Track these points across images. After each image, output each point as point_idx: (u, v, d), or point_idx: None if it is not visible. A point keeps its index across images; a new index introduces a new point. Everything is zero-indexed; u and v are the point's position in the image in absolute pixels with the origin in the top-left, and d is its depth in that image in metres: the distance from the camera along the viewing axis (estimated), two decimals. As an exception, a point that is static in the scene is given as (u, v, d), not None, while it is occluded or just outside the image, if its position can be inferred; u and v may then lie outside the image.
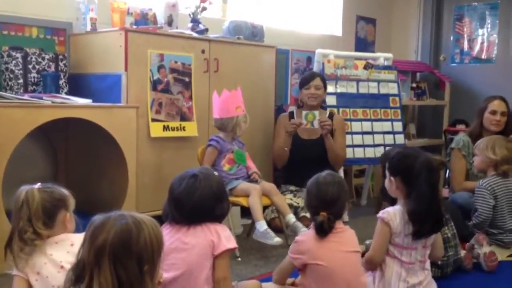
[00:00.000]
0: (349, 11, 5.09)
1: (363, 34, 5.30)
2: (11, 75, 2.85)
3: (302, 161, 3.38)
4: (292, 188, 3.45)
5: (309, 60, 4.59)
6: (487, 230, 2.79)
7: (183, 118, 3.16)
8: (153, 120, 3.02)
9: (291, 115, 3.58)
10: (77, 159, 3.18)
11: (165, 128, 3.08)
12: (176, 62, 3.12)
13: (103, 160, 2.98)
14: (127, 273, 1.17)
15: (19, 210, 1.56)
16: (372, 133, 3.98)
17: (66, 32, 3.17)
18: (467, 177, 3.33)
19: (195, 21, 3.41)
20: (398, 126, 4.10)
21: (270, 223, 3.05)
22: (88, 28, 3.08)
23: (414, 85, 5.15)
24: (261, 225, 2.72)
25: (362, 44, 5.26)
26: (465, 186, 3.24)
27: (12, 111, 2.42)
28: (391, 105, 4.10)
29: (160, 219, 1.58)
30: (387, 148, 3.94)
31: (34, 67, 2.91)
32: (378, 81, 4.09)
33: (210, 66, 3.30)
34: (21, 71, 2.87)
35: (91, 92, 2.97)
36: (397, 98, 4.14)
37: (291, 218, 2.82)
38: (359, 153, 3.90)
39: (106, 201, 2.91)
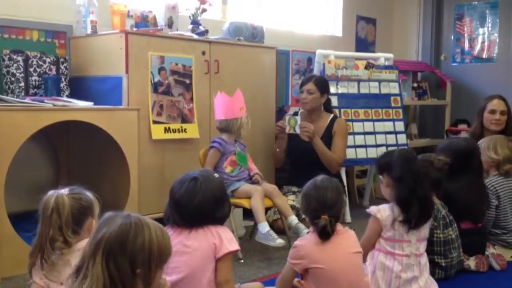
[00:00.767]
0: (349, 11, 5.09)
1: (364, 34, 5.30)
2: (12, 79, 2.85)
3: (303, 163, 3.38)
4: (294, 189, 3.44)
5: (310, 61, 4.59)
6: (490, 231, 2.77)
7: (184, 120, 3.16)
8: (154, 122, 3.02)
9: (295, 115, 3.57)
10: (79, 161, 3.18)
11: (167, 130, 3.08)
12: (176, 64, 3.12)
13: (104, 163, 2.97)
14: (118, 271, 1.17)
15: (49, 218, 1.54)
16: (374, 133, 3.97)
17: (67, 35, 3.17)
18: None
19: (195, 22, 3.40)
20: (400, 126, 4.09)
21: (272, 225, 3.04)
22: (89, 31, 3.08)
23: (415, 85, 5.15)
24: (264, 227, 2.72)
25: (363, 44, 5.25)
26: None
27: (14, 114, 2.41)
28: (393, 105, 4.10)
29: (162, 222, 1.57)
30: (389, 149, 3.95)
31: (35, 70, 2.91)
32: (379, 81, 4.08)
33: (211, 68, 3.30)
34: (22, 75, 2.87)
35: (92, 94, 2.97)
36: (398, 98, 4.14)
37: (293, 219, 2.81)
38: (361, 153, 3.89)
39: (108, 204, 2.87)
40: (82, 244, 1.56)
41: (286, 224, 2.92)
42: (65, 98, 2.86)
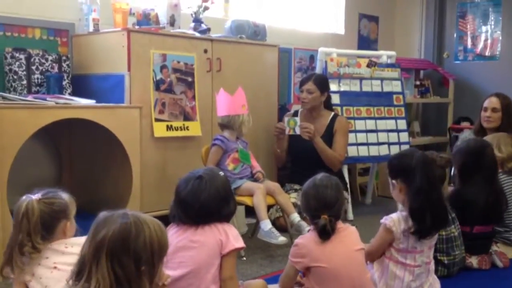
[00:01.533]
0: (351, 9, 5.08)
1: (366, 32, 5.29)
2: (15, 76, 2.85)
3: (304, 162, 3.39)
4: (296, 187, 3.44)
5: (312, 58, 4.58)
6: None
7: (187, 117, 3.16)
8: (157, 120, 3.02)
9: (295, 115, 3.57)
10: (81, 159, 3.18)
11: (169, 128, 3.08)
12: (178, 62, 3.12)
13: (107, 161, 2.98)
14: (124, 271, 1.18)
15: (20, 223, 1.55)
16: (376, 131, 3.96)
17: (69, 33, 3.17)
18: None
19: (197, 20, 3.40)
20: (402, 124, 4.08)
21: (274, 222, 3.04)
22: (91, 29, 3.08)
23: (417, 82, 5.14)
24: (266, 225, 2.72)
25: (365, 42, 5.24)
26: None
27: (16, 112, 2.42)
28: (395, 103, 4.09)
29: (165, 219, 1.57)
30: (391, 147, 3.94)
31: (37, 68, 2.91)
32: (382, 79, 4.07)
33: (213, 66, 3.30)
34: (24, 72, 2.87)
35: (94, 92, 2.97)
36: (400, 96, 4.13)
37: (295, 217, 2.81)
38: (363, 151, 3.89)
39: (110, 202, 2.91)
40: (56, 242, 1.58)
41: (288, 222, 2.92)
42: (67, 96, 2.86)
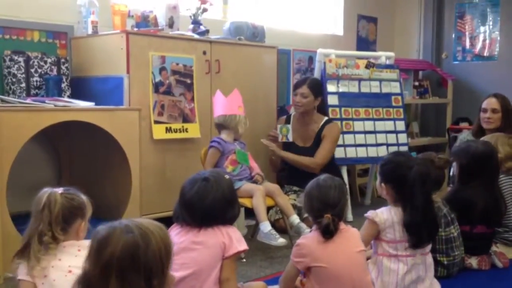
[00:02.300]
0: (350, 10, 5.09)
1: (365, 33, 5.30)
2: (14, 79, 2.85)
3: (299, 168, 3.40)
4: (296, 188, 3.45)
5: (311, 60, 4.59)
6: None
7: (186, 119, 3.16)
8: (156, 122, 3.02)
9: (288, 119, 3.58)
10: (80, 162, 3.18)
11: (168, 130, 3.08)
12: (177, 64, 3.12)
13: (106, 163, 2.98)
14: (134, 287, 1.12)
15: (40, 212, 1.57)
16: (374, 132, 3.96)
17: (68, 35, 3.17)
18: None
19: (196, 22, 3.41)
20: (401, 125, 4.08)
21: (274, 224, 3.04)
22: (90, 31, 3.08)
23: (416, 83, 5.15)
24: (265, 226, 2.72)
25: (364, 43, 5.25)
26: None
27: (15, 115, 2.42)
28: (394, 104, 4.09)
29: (165, 221, 1.57)
30: (389, 148, 3.94)
31: (36, 71, 2.92)
32: (380, 80, 4.08)
33: (212, 68, 3.30)
34: (23, 75, 2.87)
35: (93, 95, 2.97)
36: (399, 97, 4.13)
37: (295, 219, 2.81)
38: (361, 152, 3.89)
39: (110, 204, 2.91)
40: (69, 243, 1.59)
41: (288, 224, 2.92)
42: (66, 99, 2.86)
